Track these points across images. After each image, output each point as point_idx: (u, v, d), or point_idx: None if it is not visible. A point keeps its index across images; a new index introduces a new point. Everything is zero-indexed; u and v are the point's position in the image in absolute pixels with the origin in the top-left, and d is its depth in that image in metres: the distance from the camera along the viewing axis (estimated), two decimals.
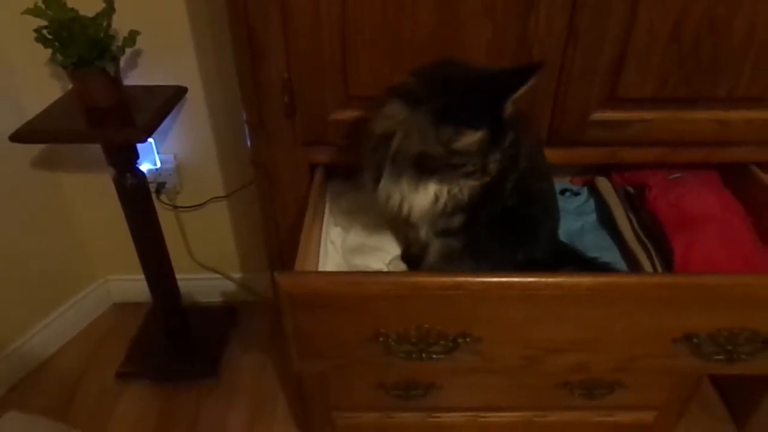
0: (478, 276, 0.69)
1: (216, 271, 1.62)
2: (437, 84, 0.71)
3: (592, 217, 1.03)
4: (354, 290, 0.69)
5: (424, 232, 0.85)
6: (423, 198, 0.76)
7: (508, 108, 0.71)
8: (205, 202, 1.47)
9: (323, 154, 0.91)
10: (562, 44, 0.80)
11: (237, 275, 1.64)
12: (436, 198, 0.77)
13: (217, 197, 1.47)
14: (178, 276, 1.45)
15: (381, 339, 0.72)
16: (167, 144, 1.37)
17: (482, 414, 1.18)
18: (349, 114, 0.86)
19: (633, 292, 0.70)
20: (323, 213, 0.93)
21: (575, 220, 1.02)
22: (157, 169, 1.39)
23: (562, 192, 1.07)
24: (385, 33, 0.79)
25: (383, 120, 0.73)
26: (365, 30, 0.78)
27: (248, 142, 0.91)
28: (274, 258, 1.04)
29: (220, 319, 1.59)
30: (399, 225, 0.91)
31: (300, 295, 0.69)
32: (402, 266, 0.91)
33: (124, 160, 1.18)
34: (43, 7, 0.98)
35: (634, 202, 0.98)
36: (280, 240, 1.01)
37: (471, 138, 0.68)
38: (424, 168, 0.72)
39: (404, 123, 0.70)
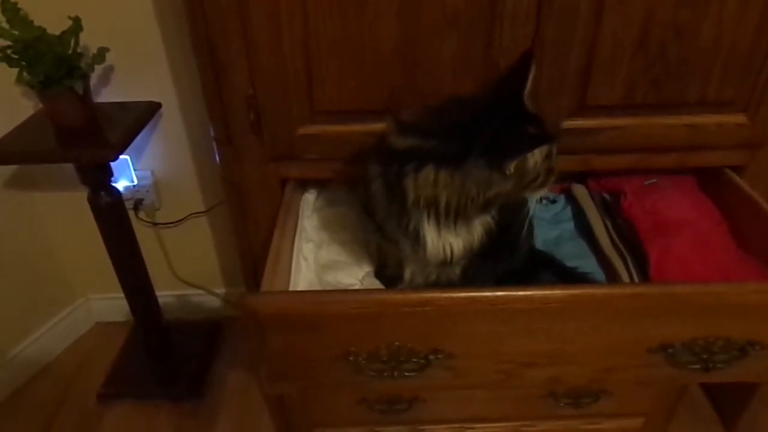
0: (446, 291, 0.68)
1: (199, 287, 1.60)
2: (457, 133, 0.69)
3: (570, 225, 1.02)
4: (319, 309, 0.67)
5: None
6: (468, 237, 0.75)
7: (528, 105, 0.71)
8: (184, 218, 1.46)
9: (293, 169, 0.90)
10: None
11: (221, 290, 1.62)
12: (480, 233, 0.76)
13: (196, 213, 1.45)
14: (160, 293, 1.43)
15: (351, 358, 0.71)
16: (144, 160, 1.36)
17: (468, 425, 1.17)
18: (316, 129, 0.85)
19: (604, 303, 0.69)
20: (295, 229, 0.92)
21: (552, 229, 1.01)
22: (134, 186, 1.38)
23: (539, 200, 1.06)
24: (349, 47, 0.78)
25: (420, 189, 0.69)
26: (328, 44, 0.77)
27: (217, 159, 0.89)
28: (249, 275, 1.03)
29: (204, 336, 1.57)
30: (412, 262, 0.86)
31: (265, 316, 0.68)
32: (376, 282, 0.89)
33: (98, 178, 1.16)
34: (7, 26, 0.96)
35: (610, 209, 0.97)
36: (254, 257, 1.00)
37: (540, 153, 0.68)
38: (490, 206, 0.72)
39: (450, 185, 0.68)
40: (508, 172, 0.68)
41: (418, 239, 0.74)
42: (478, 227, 0.75)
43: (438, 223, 0.72)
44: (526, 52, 0.72)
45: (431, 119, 0.74)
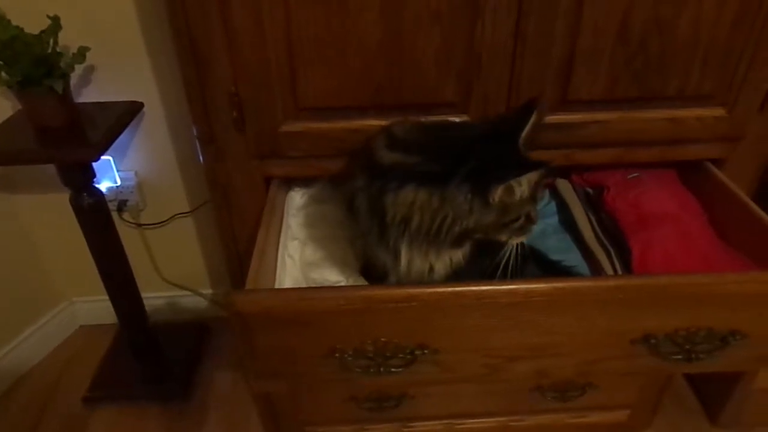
0: (431, 286, 0.68)
1: (185, 288, 1.59)
2: (443, 154, 0.69)
3: (554, 219, 1.03)
4: (304, 306, 0.67)
5: None
6: (450, 259, 0.74)
7: (522, 148, 0.70)
8: (169, 219, 1.44)
9: (277, 167, 0.90)
10: (510, 49, 0.79)
11: (207, 291, 1.61)
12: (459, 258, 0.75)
13: (181, 213, 1.44)
14: (146, 295, 1.42)
15: (337, 355, 0.71)
16: (127, 161, 1.34)
17: (457, 421, 1.18)
18: (300, 126, 0.85)
19: (588, 296, 0.69)
20: (280, 227, 0.91)
21: (537, 223, 1.01)
22: (117, 187, 1.36)
23: None
24: (332, 44, 0.78)
25: (398, 207, 0.69)
26: (311, 41, 0.77)
27: (200, 158, 0.89)
28: (235, 274, 1.02)
29: (191, 337, 1.56)
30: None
31: (251, 314, 0.67)
32: (361, 280, 0.89)
33: (80, 179, 1.14)
34: None
35: (594, 203, 0.98)
36: (240, 256, 1.00)
37: (527, 182, 0.67)
38: (464, 240, 0.70)
39: (427, 207, 0.67)
40: (491, 201, 0.66)
41: (397, 256, 0.73)
42: (457, 253, 0.73)
43: (411, 245, 0.70)
44: (531, 98, 0.71)
45: (420, 136, 0.74)
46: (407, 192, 0.68)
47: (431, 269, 0.74)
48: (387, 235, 0.71)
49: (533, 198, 0.71)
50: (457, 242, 0.71)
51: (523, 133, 0.70)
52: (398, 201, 0.68)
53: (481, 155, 0.67)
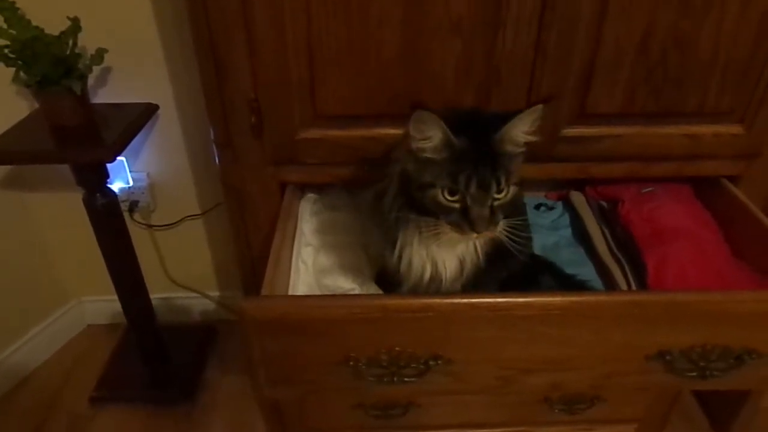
0: (447, 297, 0.68)
1: (193, 290, 1.59)
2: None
3: (567, 232, 1.03)
4: (320, 314, 0.67)
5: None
6: (459, 254, 0.73)
7: (504, 142, 0.66)
8: (180, 221, 1.45)
9: (293, 173, 0.90)
10: (530, 61, 0.79)
11: (215, 293, 1.61)
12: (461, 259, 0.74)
13: (192, 215, 1.44)
14: (154, 296, 1.42)
15: (351, 363, 0.71)
16: (140, 162, 1.35)
17: (464, 431, 1.17)
18: (318, 133, 0.85)
19: (604, 310, 0.69)
20: (294, 233, 0.91)
21: (550, 235, 1.02)
22: (129, 188, 1.37)
23: (537, 207, 1.07)
24: (352, 52, 0.78)
25: (387, 175, 0.72)
26: (331, 49, 0.78)
27: (216, 161, 0.89)
28: (247, 279, 1.02)
29: (198, 339, 1.56)
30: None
31: (265, 320, 0.67)
32: (375, 287, 0.89)
33: (94, 179, 1.15)
34: (5, 26, 0.95)
35: (608, 217, 0.98)
36: (252, 260, 1.00)
37: (438, 133, 0.62)
38: (410, 202, 0.68)
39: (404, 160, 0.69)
40: (409, 139, 0.65)
41: (410, 266, 0.73)
42: (458, 250, 0.73)
43: (399, 214, 0.69)
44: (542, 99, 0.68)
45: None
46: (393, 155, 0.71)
47: (438, 264, 0.73)
48: (383, 209, 0.72)
49: (452, 177, 0.64)
50: (409, 199, 0.68)
51: (504, 127, 0.65)
52: (388, 171, 0.71)
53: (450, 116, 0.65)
